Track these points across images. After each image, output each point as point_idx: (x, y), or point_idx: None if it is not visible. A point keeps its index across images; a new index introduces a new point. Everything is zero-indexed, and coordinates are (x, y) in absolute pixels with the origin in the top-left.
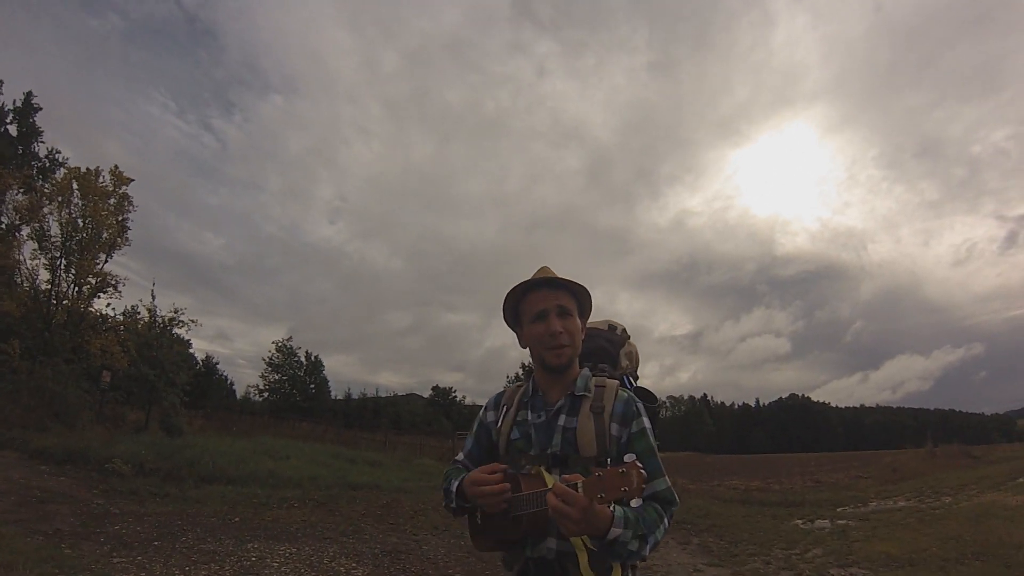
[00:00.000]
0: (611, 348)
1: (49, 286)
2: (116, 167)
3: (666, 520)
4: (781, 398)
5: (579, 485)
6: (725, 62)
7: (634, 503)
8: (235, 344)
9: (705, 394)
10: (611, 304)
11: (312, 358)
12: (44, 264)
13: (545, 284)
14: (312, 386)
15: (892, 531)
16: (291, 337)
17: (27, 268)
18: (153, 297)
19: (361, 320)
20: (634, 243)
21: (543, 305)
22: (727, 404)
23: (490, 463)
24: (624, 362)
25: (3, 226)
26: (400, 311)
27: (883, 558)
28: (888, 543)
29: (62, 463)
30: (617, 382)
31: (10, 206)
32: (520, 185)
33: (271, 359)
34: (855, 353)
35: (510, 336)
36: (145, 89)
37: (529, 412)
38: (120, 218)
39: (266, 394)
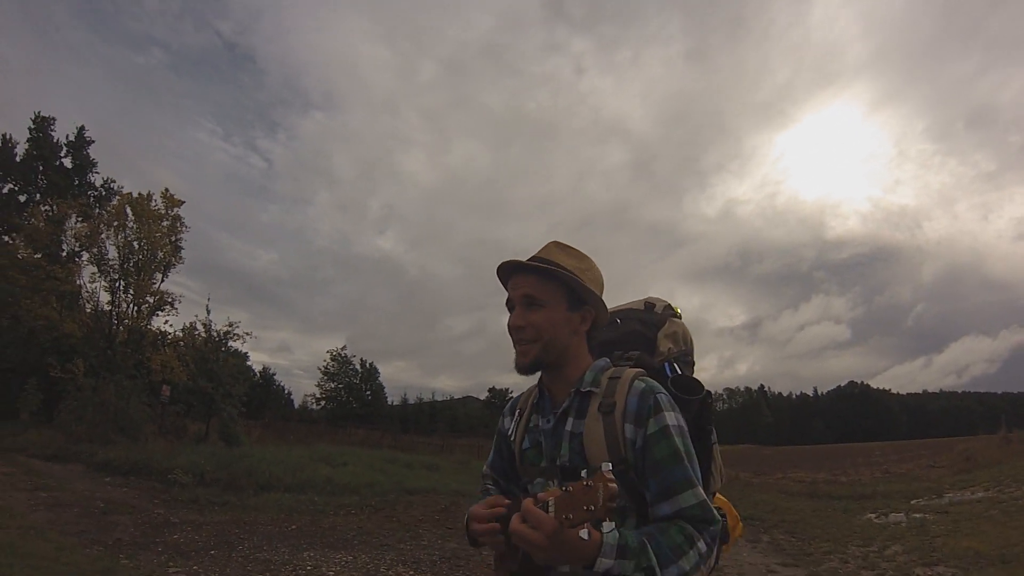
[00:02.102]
0: (646, 330)
1: (110, 307)
2: (167, 190)
3: (701, 544)
4: (840, 386)
5: (550, 503)
6: (762, 44)
7: (605, 528)
8: (293, 355)
9: (762, 385)
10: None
11: (367, 365)
12: (104, 286)
13: (512, 270)
14: (368, 393)
15: (976, 525)
16: (345, 346)
17: (88, 291)
18: (208, 312)
19: (417, 326)
20: (684, 235)
21: (510, 294)
22: (784, 394)
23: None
24: (666, 345)
25: (64, 253)
26: (456, 316)
27: (971, 555)
28: (973, 538)
29: (126, 474)
30: (635, 371)
31: (70, 234)
32: (566, 184)
33: (327, 368)
34: (917, 337)
35: None
36: (192, 116)
37: (540, 417)
38: (173, 239)
39: (323, 402)
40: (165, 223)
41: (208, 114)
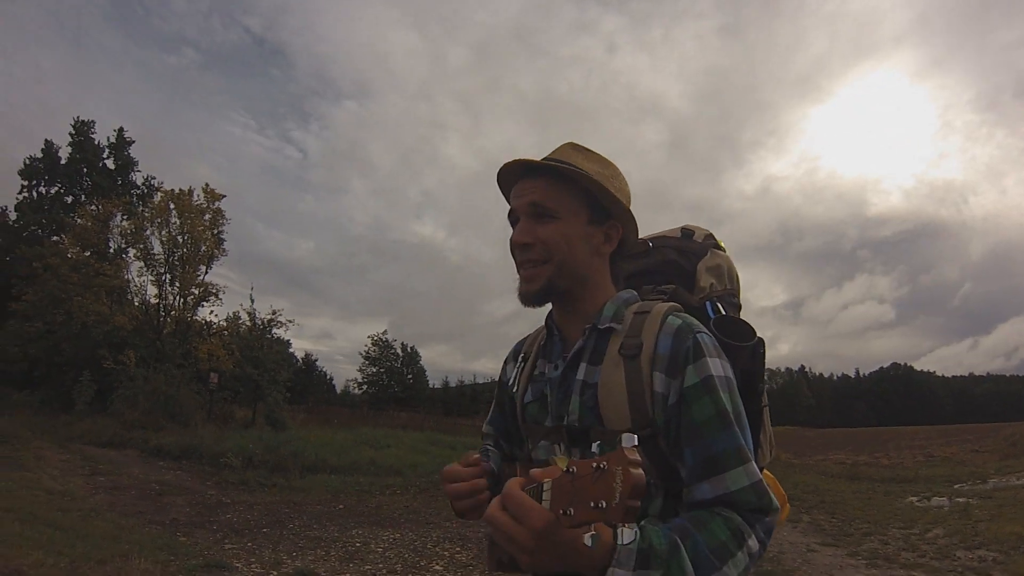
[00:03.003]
0: (684, 261)
1: (157, 300)
2: (207, 185)
3: (753, 542)
4: (882, 368)
5: (545, 487)
6: (797, 16)
7: (625, 535)
8: (333, 342)
9: (803, 366)
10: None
11: (408, 349)
12: (151, 280)
13: (517, 173)
14: (409, 377)
15: (1020, 510)
16: (386, 331)
17: (136, 285)
18: (252, 301)
19: (458, 310)
20: (723, 214)
21: (514, 204)
22: (825, 376)
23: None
24: (708, 280)
25: (111, 250)
26: (496, 299)
27: (1013, 539)
28: (1017, 523)
29: (178, 458)
30: (669, 305)
31: (116, 232)
32: None
33: (368, 353)
34: (964, 317)
35: None
36: (225, 112)
37: (546, 363)
38: (215, 231)
39: (364, 387)
40: (207, 217)
41: (241, 108)
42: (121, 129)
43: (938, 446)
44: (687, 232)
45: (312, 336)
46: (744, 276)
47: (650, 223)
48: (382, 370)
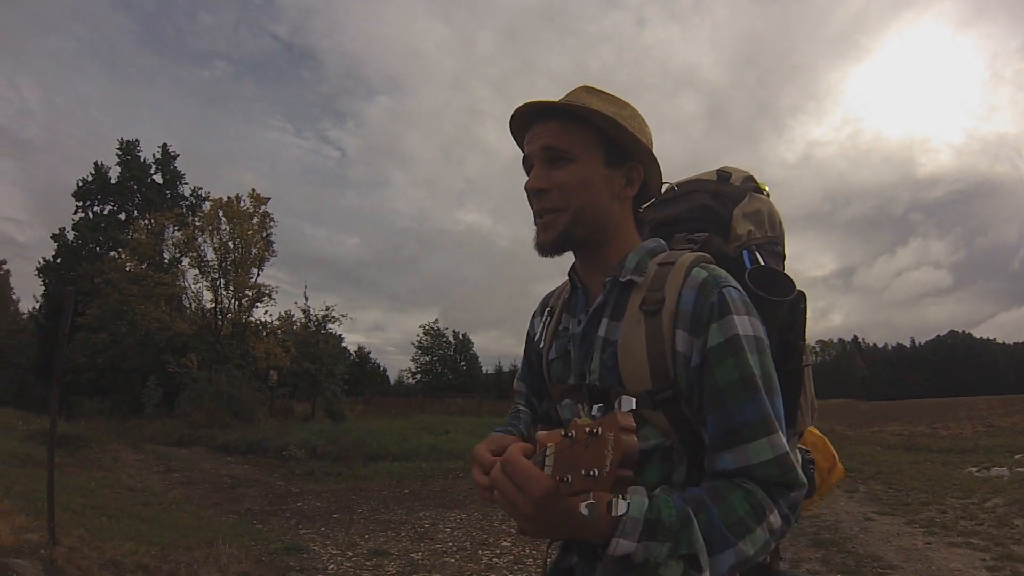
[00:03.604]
0: (718, 206)
1: (213, 304)
2: (253, 190)
3: (775, 518)
4: (939, 336)
5: (548, 451)
6: None
7: (620, 506)
8: (385, 334)
9: (856, 336)
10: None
11: (460, 337)
12: (206, 286)
13: (530, 117)
14: (462, 364)
15: None
16: (437, 320)
17: (192, 292)
18: (306, 299)
19: (508, 295)
20: (766, 183)
21: (527, 150)
22: (879, 346)
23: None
24: (745, 227)
25: (166, 260)
26: (547, 282)
27: None
28: None
29: (245, 453)
30: (696, 255)
31: (169, 242)
32: None
33: (420, 342)
34: None
35: None
36: (262, 119)
37: (570, 318)
38: (264, 234)
39: (418, 376)
40: (255, 220)
41: (277, 114)
42: (165, 145)
43: (999, 416)
44: (723, 175)
45: (364, 329)
46: (792, 246)
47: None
48: (435, 359)
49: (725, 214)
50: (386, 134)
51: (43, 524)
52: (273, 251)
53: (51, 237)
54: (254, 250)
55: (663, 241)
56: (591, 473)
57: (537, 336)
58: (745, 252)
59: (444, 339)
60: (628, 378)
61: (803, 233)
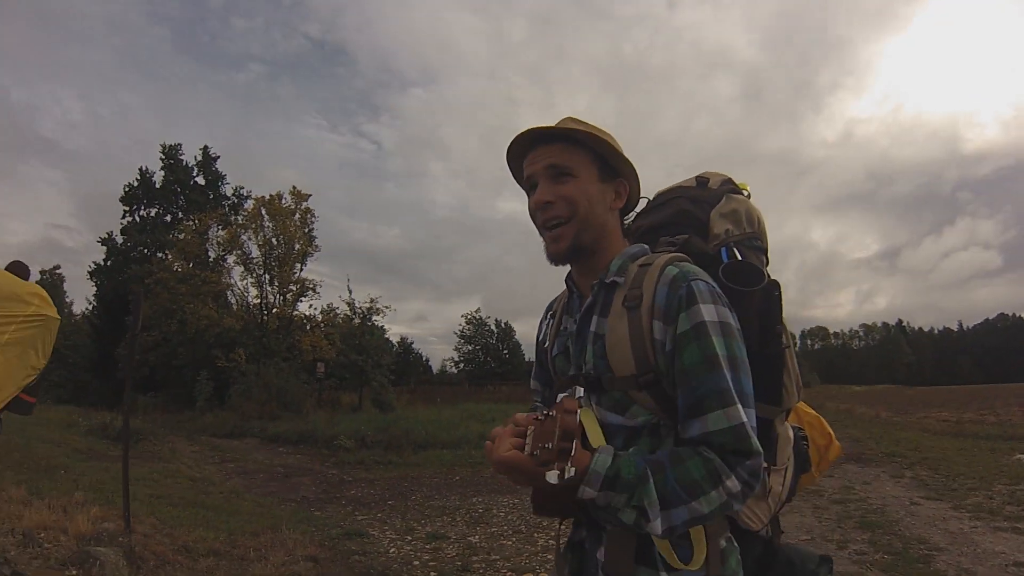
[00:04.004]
0: (697, 210)
1: (259, 300)
2: (295, 187)
3: (731, 483)
4: (988, 319)
5: (529, 431)
6: None
7: (549, 476)
8: (427, 324)
9: (900, 320)
10: (806, 234)
11: (503, 325)
12: (252, 282)
13: (530, 141)
14: (505, 352)
15: None
16: (479, 309)
17: (239, 289)
18: (350, 292)
19: (550, 282)
20: (806, 164)
21: (530, 170)
22: (925, 330)
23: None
24: (722, 227)
25: (211, 259)
26: None
27: None
28: None
29: (295, 443)
30: (671, 255)
31: (214, 241)
32: (676, 125)
33: (463, 332)
34: None
35: None
36: (298, 116)
37: (568, 318)
38: (306, 230)
39: (461, 365)
40: (296, 216)
41: (313, 111)
42: (206, 147)
43: None
44: (702, 180)
45: (407, 320)
46: (838, 228)
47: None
48: (478, 347)
49: (703, 216)
50: (422, 126)
51: (117, 513)
52: (316, 246)
53: (100, 241)
54: (297, 246)
55: (646, 246)
56: (546, 446)
57: (542, 337)
58: (724, 249)
59: (486, 328)
60: (616, 365)
61: (845, 214)
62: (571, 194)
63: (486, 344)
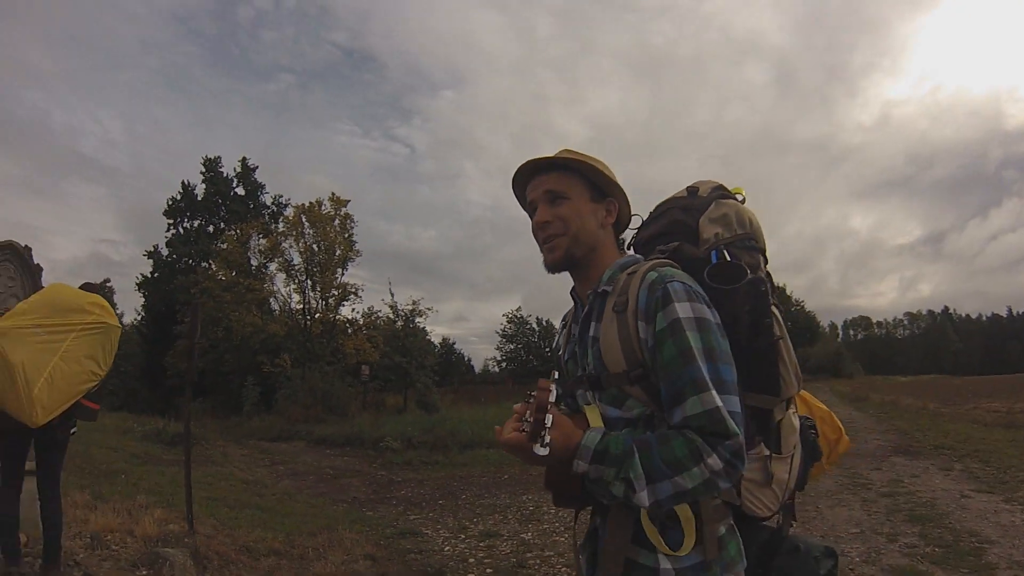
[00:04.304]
0: (687, 218)
1: (302, 305)
2: (333, 194)
3: (713, 460)
4: None
5: (525, 416)
6: None
7: (536, 449)
8: (467, 324)
9: (947, 307)
10: (846, 222)
11: (544, 323)
12: (294, 288)
13: (529, 172)
14: (547, 350)
15: None
16: (520, 307)
17: (282, 295)
18: (392, 295)
19: None
20: (843, 150)
21: (532, 196)
22: (973, 317)
23: None
24: (711, 231)
25: (254, 267)
26: None
27: None
28: None
29: (342, 446)
30: (653, 262)
31: (256, 250)
32: (708, 114)
33: (504, 331)
34: None
35: None
36: (330, 124)
37: (575, 325)
38: (346, 235)
39: (503, 363)
40: (336, 222)
41: (344, 117)
42: (244, 159)
43: None
44: (692, 189)
45: (447, 320)
46: (873, 214)
47: (768, 170)
48: (519, 346)
49: (693, 223)
50: (454, 127)
51: (178, 516)
52: (357, 251)
53: (146, 254)
54: (338, 251)
55: (639, 256)
56: (527, 420)
57: (556, 345)
58: (714, 252)
59: (527, 326)
60: (609, 364)
61: (885, 200)
62: (565, 214)
63: (528, 342)
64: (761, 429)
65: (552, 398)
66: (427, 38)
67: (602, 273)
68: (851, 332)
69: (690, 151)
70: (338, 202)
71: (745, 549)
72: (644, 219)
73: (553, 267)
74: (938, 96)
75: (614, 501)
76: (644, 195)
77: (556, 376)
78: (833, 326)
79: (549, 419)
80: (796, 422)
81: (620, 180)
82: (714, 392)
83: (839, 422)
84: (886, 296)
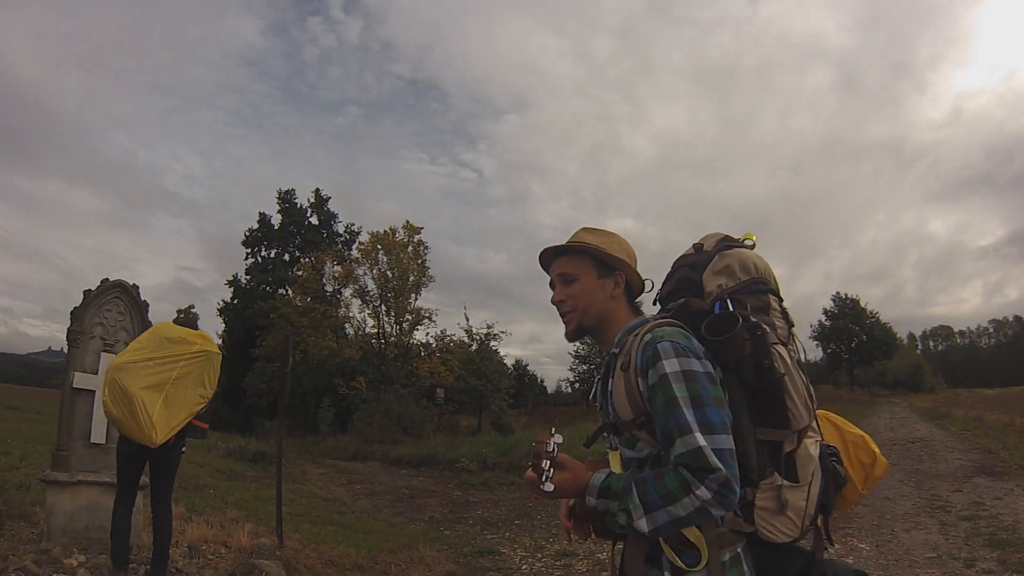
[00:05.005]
0: (693, 274)
1: (376, 330)
2: (408, 222)
3: (702, 491)
4: None
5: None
6: None
7: (544, 486)
8: (540, 345)
9: None
10: (923, 226)
11: None
12: (369, 314)
13: (551, 255)
14: None
15: None
16: None
17: (357, 320)
18: (467, 319)
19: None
20: (915, 150)
21: (551, 276)
22: None
23: None
24: (715, 283)
25: (329, 293)
26: None
27: None
28: None
29: (417, 466)
30: (653, 323)
31: (330, 277)
32: (774, 124)
33: (577, 351)
34: None
35: (819, 286)
36: (398, 152)
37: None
38: (419, 261)
39: (576, 384)
40: (409, 249)
41: (411, 146)
42: (317, 190)
43: None
44: (698, 246)
45: (520, 342)
46: (952, 216)
47: (838, 177)
48: (592, 367)
49: (697, 279)
50: (520, 150)
51: (266, 530)
52: (430, 277)
53: (227, 283)
54: (412, 277)
55: (648, 317)
56: (531, 464)
57: (593, 394)
58: (717, 303)
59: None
60: (621, 413)
61: (964, 199)
62: (575, 292)
63: (600, 363)
64: (773, 460)
65: (550, 448)
66: (488, 65)
67: (615, 336)
68: (931, 343)
69: (758, 165)
70: (412, 229)
71: (780, 575)
72: (669, 271)
73: (569, 338)
74: (1012, 83)
75: (622, 530)
76: (717, 208)
77: (554, 431)
78: (912, 337)
79: (546, 464)
80: (814, 451)
81: (687, 197)
82: (698, 434)
83: (874, 446)
84: (969, 303)
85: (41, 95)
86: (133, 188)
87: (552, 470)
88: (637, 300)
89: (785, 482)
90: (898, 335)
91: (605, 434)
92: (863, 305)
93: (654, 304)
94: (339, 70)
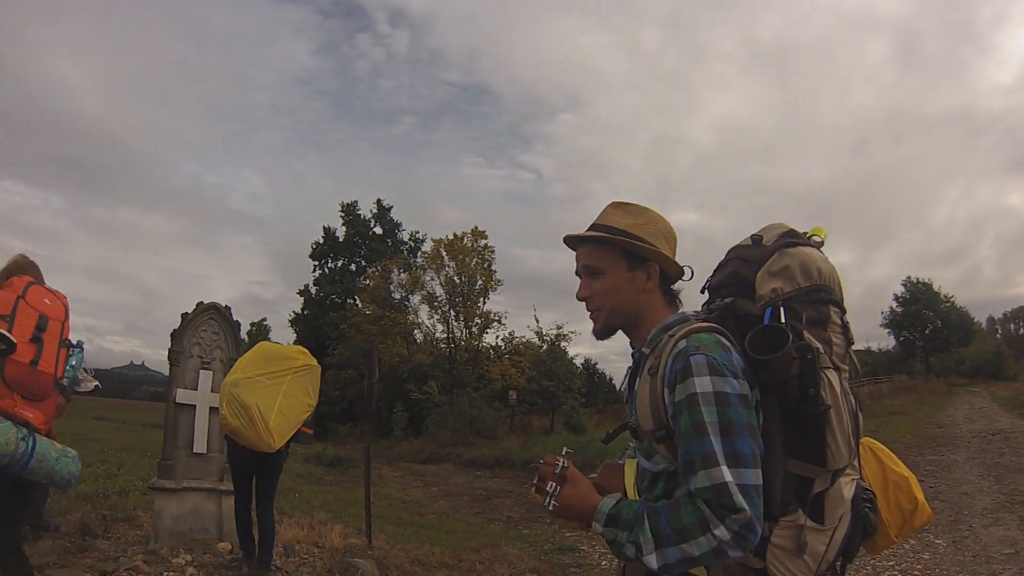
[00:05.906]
0: (745, 270)
1: (446, 335)
2: (476, 227)
3: (721, 532)
4: None
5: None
6: None
7: (547, 505)
8: (608, 342)
9: None
10: (1001, 199)
11: None
12: (438, 319)
13: (572, 244)
14: None
15: None
16: None
17: (426, 326)
18: (537, 321)
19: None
20: (984, 119)
21: (576, 266)
22: None
23: None
24: (769, 286)
25: (397, 300)
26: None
27: None
28: None
29: (491, 468)
30: (693, 326)
31: (398, 284)
32: (830, 103)
33: None
34: None
35: (891, 271)
36: (455, 158)
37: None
38: (486, 265)
39: None
40: (476, 254)
41: (468, 151)
42: (379, 200)
43: None
44: (756, 238)
45: (588, 341)
46: None
47: (903, 154)
48: None
49: (750, 277)
50: (577, 148)
51: (354, 530)
52: (498, 280)
53: (298, 293)
54: (480, 281)
55: (687, 314)
56: (534, 485)
57: (622, 389)
58: (769, 309)
59: None
60: (642, 421)
61: None
62: (601, 289)
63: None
64: (800, 496)
65: (557, 471)
66: (537, 66)
67: (648, 332)
68: (1011, 326)
69: (814, 146)
70: (478, 235)
71: None
72: (722, 259)
73: (597, 336)
74: None
75: (629, 561)
76: (778, 195)
77: (565, 451)
78: (992, 321)
79: (552, 486)
80: (848, 492)
81: (748, 185)
82: (724, 467)
83: (918, 491)
84: None
85: (112, 131)
86: (201, 209)
87: (558, 489)
88: (674, 287)
89: (809, 522)
90: (976, 319)
91: (635, 441)
92: (936, 289)
93: (702, 292)
94: (391, 82)
